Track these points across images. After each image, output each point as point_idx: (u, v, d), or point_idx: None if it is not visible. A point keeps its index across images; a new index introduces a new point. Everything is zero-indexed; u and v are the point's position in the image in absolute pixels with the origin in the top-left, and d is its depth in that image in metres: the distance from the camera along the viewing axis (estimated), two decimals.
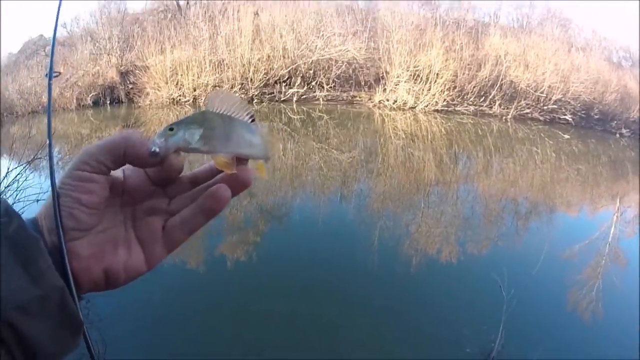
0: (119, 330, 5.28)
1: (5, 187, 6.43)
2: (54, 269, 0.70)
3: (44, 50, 31.50)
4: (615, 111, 25.96)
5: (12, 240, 0.66)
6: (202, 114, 0.82)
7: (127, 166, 0.80)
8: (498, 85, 24.35)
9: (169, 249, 0.84)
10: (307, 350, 5.23)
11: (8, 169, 6.74)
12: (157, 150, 0.76)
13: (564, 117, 24.60)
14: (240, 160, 0.83)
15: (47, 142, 0.99)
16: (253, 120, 0.87)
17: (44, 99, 25.61)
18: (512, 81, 24.58)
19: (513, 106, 24.26)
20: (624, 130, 25.20)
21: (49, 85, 1.11)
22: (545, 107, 24.65)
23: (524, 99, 24.59)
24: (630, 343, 5.40)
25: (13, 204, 6.00)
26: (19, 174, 6.66)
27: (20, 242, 0.67)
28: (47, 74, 1.13)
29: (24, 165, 6.86)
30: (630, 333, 5.45)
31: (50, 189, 0.76)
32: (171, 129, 0.78)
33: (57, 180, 0.77)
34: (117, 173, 0.81)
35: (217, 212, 0.81)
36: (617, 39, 31.79)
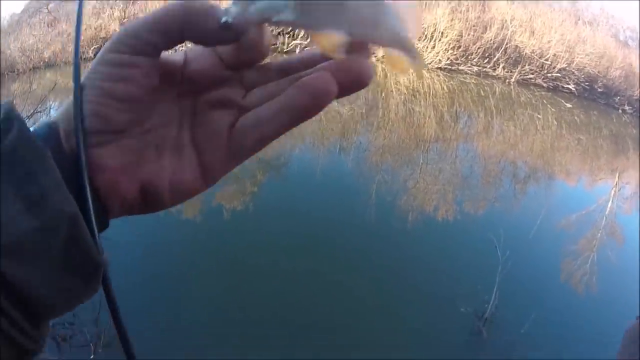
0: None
1: None
2: (66, 188, 0.48)
3: (47, 8, 31.68)
4: (620, 87, 25.94)
5: (6, 152, 0.47)
6: None
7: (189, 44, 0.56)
8: (503, 48, 24.32)
9: (236, 159, 0.57)
10: (301, 306, 5.18)
11: None
12: (231, 20, 0.50)
13: (567, 86, 24.61)
14: (359, 45, 0.52)
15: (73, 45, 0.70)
16: None
17: (46, 54, 26.05)
18: (517, 46, 24.56)
19: (517, 70, 24.20)
20: (626, 107, 25.21)
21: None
22: (549, 75, 24.66)
23: (528, 64, 24.57)
24: (619, 320, 5.41)
25: None
26: None
27: (17, 154, 0.48)
28: None
29: (24, 119, 6.85)
30: (622, 311, 5.43)
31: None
32: None
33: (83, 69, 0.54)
34: (177, 57, 0.57)
35: (311, 112, 0.52)
36: (624, 18, 31.84)
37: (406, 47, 0.54)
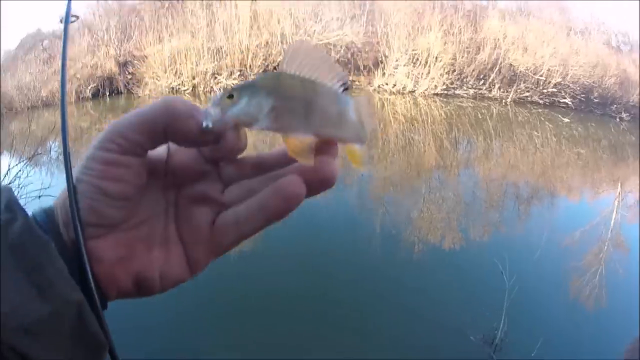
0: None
1: (7, 185, 6.28)
2: (70, 277, 0.57)
3: (42, 44, 31.57)
4: (615, 95, 26.01)
5: (14, 243, 0.55)
6: (275, 76, 0.63)
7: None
8: (497, 68, 24.45)
9: (216, 252, 0.66)
10: (311, 342, 5.17)
11: (9, 166, 6.60)
12: (211, 125, 0.59)
13: (563, 100, 24.72)
14: (325, 145, 0.63)
15: (60, 113, 0.77)
16: (346, 89, 0.66)
17: (43, 93, 25.88)
18: (511, 64, 24.67)
19: (512, 89, 24.37)
20: (623, 114, 25.24)
21: (65, 30, 0.85)
22: (544, 91, 24.77)
23: (523, 82, 24.71)
24: (633, 330, 5.42)
25: None
26: (20, 170, 6.62)
27: (25, 245, 0.55)
28: (61, 20, 0.88)
29: (24, 162, 6.95)
30: (632, 322, 5.47)
31: (65, 175, 0.61)
32: (231, 96, 0.60)
33: (76, 166, 0.62)
34: (160, 149, 0.65)
35: (283, 214, 0.62)
36: (615, 23, 31.94)
37: (364, 140, 0.66)
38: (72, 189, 0.58)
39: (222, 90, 0.66)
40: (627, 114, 25.12)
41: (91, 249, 0.59)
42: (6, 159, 8.54)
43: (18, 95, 25.60)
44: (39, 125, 18.11)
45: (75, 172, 0.61)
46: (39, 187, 6.61)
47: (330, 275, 6.34)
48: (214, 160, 0.67)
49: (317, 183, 0.61)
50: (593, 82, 25.63)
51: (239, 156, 0.66)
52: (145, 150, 0.60)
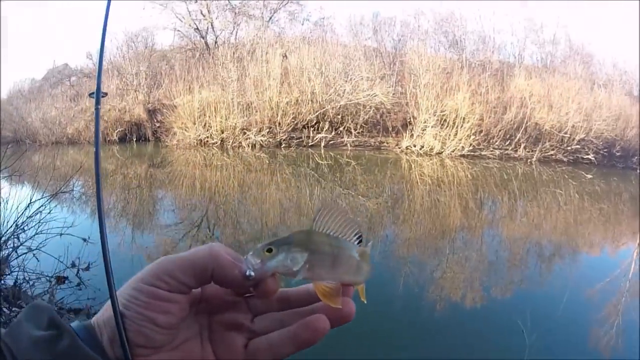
0: None
1: (27, 218, 6.37)
2: None
3: (69, 80, 32.18)
4: (637, 146, 25.68)
5: (62, 359, 0.65)
6: (307, 234, 0.77)
7: None
8: (523, 127, 24.34)
9: None
10: None
11: (31, 199, 6.61)
12: (252, 274, 0.72)
13: (586, 156, 24.51)
14: (344, 287, 0.78)
15: (95, 194, 0.90)
16: (360, 242, 0.82)
17: (69, 130, 26.62)
18: (536, 123, 24.53)
19: (537, 148, 24.21)
20: None
21: (97, 111, 1.00)
22: (568, 148, 24.60)
23: (548, 141, 24.53)
24: None
25: (35, 234, 6.25)
26: (42, 205, 6.63)
27: None
28: (91, 94, 1.01)
29: (47, 198, 6.96)
30: None
31: (110, 296, 0.72)
32: (269, 250, 0.73)
33: (120, 289, 0.73)
34: None
35: (311, 344, 0.74)
36: (637, 70, 31.69)
37: (366, 280, 0.83)
38: (119, 316, 0.69)
39: (260, 243, 0.73)
40: None
41: None
42: (28, 190, 8.44)
43: (43, 128, 26.46)
44: (63, 162, 18.41)
45: (121, 296, 0.71)
46: (61, 224, 6.69)
47: (350, 333, 6.07)
48: (243, 294, 0.80)
49: (340, 319, 0.75)
50: (615, 135, 25.48)
51: None
52: (190, 289, 0.73)
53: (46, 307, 0.71)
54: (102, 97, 0.99)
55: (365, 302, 0.83)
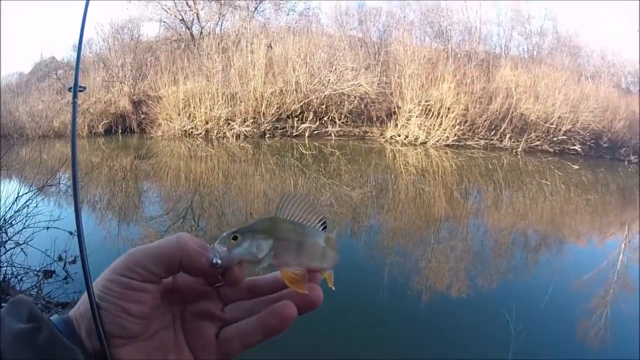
0: None
1: (15, 212, 6.37)
2: None
3: (56, 74, 31.77)
4: (624, 138, 26.08)
5: (41, 351, 0.65)
6: (271, 221, 0.78)
7: None
8: (509, 118, 24.46)
9: (222, 358, 0.79)
10: None
11: (18, 193, 6.64)
12: (219, 262, 0.73)
13: (573, 147, 24.69)
14: (310, 274, 0.79)
15: (73, 204, 0.87)
16: (325, 228, 0.83)
17: (55, 123, 26.51)
18: (522, 113, 24.67)
19: (523, 139, 24.39)
20: (632, 157, 25.25)
21: (74, 104, 1.01)
22: (554, 139, 24.77)
23: (534, 131, 24.72)
24: None
25: (22, 229, 6.25)
26: (29, 199, 6.64)
27: (54, 353, 0.66)
28: (70, 88, 1.02)
29: (34, 191, 6.94)
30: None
31: (87, 289, 0.72)
32: (235, 238, 0.74)
33: (95, 281, 0.74)
34: None
35: (279, 331, 0.76)
36: (625, 63, 31.86)
37: (335, 266, 0.84)
38: (95, 309, 0.70)
39: (226, 231, 0.75)
40: (636, 156, 25.13)
41: (114, 357, 0.71)
42: (16, 184, 8.63)
43: (30, 122, 26.37)
44: (50, 155, 18.11)
45: (95, 288, 0.72)
46: (48, 218, 6.73)
47: (336, 323, 6.27)
48: (213, 283, 0.81)
49: (307, 306, 0.77)
50: (603, 127, 25.74)
51: None
52: (161, 278, 0.74)
53: (26, 301, 0.72)
54: (81, 91, 1.02)
55: (334, 288, 0.82)
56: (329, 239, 0.83)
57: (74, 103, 0.98)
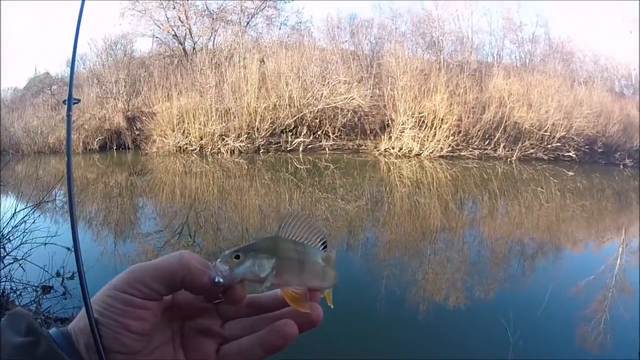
0: None
1: (12, 227, 6.39)
2: None
3: (50, 89, 32.09)
4: (619, 142, 26.23)
5: None
6: (273, 240, 0.77)
7: None
8: (502, 127, 24.52)
9: None
10: None
11: (15, 209, 6.70)
12: (221, 280, 0.72)
13: (567, 154, 24.77)
14: (310, 293, 0.79)
15: (70, 221, 0.86)
16: (325, 247, 0.83)
17: (50, 139, 26.54)
18: (516, 122, 24.73)
19: (517, 147, 24.45)
20: (627, 161, 25.43)
21: (68, 117, 0.99)
22: (549, 146, 24.87)
23: (528, 139, 24.77)
24: None
25: (20, 244, 6.24)
26: (26, 215, 6.65)
27: None
28: (64, 100, 1.00)
29: (31, 207, 6.94)
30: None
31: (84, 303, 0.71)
32: (237, 256, 0.73)
33: (95, 296, 0.73)
34: None
35: (280, 349, 0.75)
36: (618, 66, 32.01)
37: (334, 285, 0.85)
38: (94, 324, 0.69)
39: (228, 250, 0.74)
40: (631, 160, 25.33)
41: None
42: (12, 200, 8.59)
43: (25, 138, 26.36)
44: (46, 171, 18.39)
45: (95, 303, 0.71)
46: (45, 234, 6.70)
47: (333, 335, 6.09)
48: (212, 300, 0.78)
49: (307, 324, 0.76)
50: (597, 132, 25.82)
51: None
52: (162, 296, 0.73)
53: (24, 314, 0.71)
54: (75, 103, 1.01)
55: (332, 306, 0.82)
56: (329, 258, 0.84)
57: (69, 116, 0.97)
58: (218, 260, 0.74)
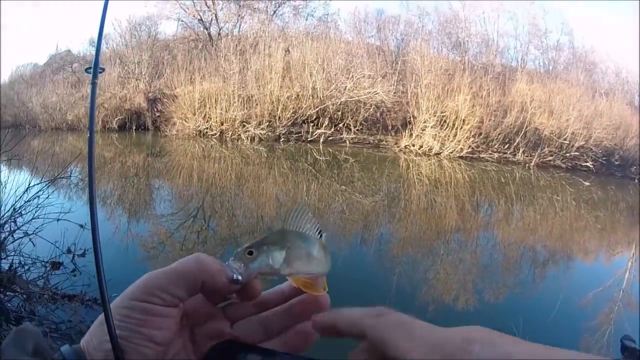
0: None
1: (25, 202, 6.39)
2: None
3: (71, 67, 32.29)
4: (635, 156, 25.79)
5: None
6: (281, 233, 0.80)
7: None
8: (523, 132, 24.39)
9: None
10: None
11: (29, 183, 6.66)
12: (240, 277, 0.73)
13: (585, 164, 24.63)
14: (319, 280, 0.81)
15: (89, 210, 0.78)
16: (321, 236, 0.86)
17: (69, 116, 26.84)
18: (536, 128, 24.62)
19: (536, 153, 24.28)
20: None
21: (93, 85, 0.93)
22: (567, 155, 24.72)
23: (547, 146, 24.61)
24: None
25: (32, 219, 6.27)
26: (40, 190, 6.67)
27: None
28: (88, 69, 0.96)
29: (46, 183, 7.00)
30: None
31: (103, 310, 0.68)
32: (250, 253, 0.75)
33: (111, 304, 0.69)
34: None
35: (301, 350, 0.76)
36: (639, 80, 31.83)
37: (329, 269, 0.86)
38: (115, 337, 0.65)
39: (238, 249, 0.76)
40: None
41: None
42: (27, 175, 8.34)
43: (43, 114, 26.73)
44: (62, 148, 18.55)
45: (115, 317, 0.67)
46: (59, 210, 6.74)
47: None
48: (217, 303, 0.78)
49: (316, 310, 0.76)
50: (615, 144, 25.62)
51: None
52: (182, 302, 0.71)
53: (32, 332, 0.68)
54: (100, 72, 0.97)
55: (327, 290, 0.82)
56: (323, 245, 0.87)
57: (94, 84, 0.93)
58: (231, 258, 0.76)
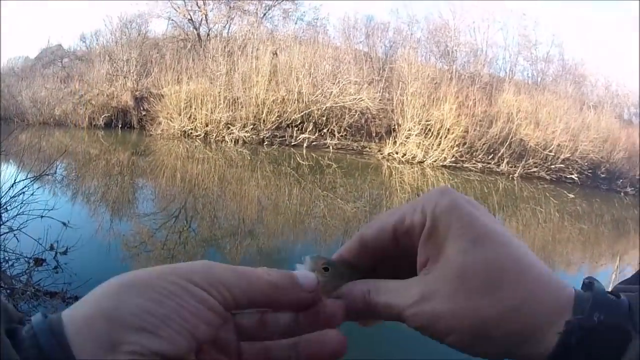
0: None
1: (10, 198, 6.40)
2: None
3: (61, 62, 32.39)
4: (622, 169, 26.16)
5: None
6: (341, 260, 0.70)
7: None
8: (507, 143, 24.52)
9: None
10: None
11: (15, 179, 6.69)
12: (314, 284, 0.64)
13: (570, 176, 24.79)
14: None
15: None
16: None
17: (57, 111, 26.71)
18: (521, 139, 24.74)
19: (521, 165, 24.40)
20: (629, 189, 25.32)
21: None
22: (552, 166, 24.85)
23: (532, 158, 24.74)
24: None
25: (17, 215, 6.31)
26: (25, 186, 6.68)
27: None
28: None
29: (31, 179, 7.03)
30: None
31: None
32: (326, 269, 0.67)
33: (142, 273, 0.57)
34: None
35: None
36: (630, 94, 32.01)
37: None
38: None
39: (314, 259, 0.67)
40: (632, 188, 25.22)
41: None
42: (13, 170, 8.70)
43: (31, 108, 26.43)
44: (49, 143, 18.60)
45: (149, 287, 0.55)
46: (43, 207, 6.76)
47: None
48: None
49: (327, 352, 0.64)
50: (602, 157, 25.79)
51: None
52: (231, 310, 0.60)
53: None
54: None
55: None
56: None
57: None
58: (306, 269, 0.66)
